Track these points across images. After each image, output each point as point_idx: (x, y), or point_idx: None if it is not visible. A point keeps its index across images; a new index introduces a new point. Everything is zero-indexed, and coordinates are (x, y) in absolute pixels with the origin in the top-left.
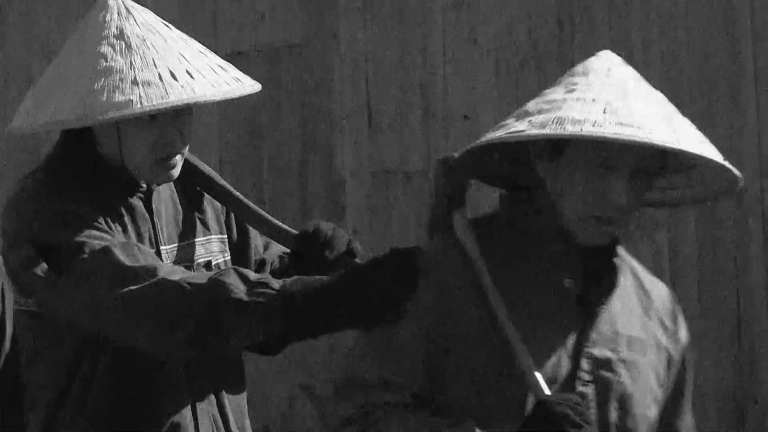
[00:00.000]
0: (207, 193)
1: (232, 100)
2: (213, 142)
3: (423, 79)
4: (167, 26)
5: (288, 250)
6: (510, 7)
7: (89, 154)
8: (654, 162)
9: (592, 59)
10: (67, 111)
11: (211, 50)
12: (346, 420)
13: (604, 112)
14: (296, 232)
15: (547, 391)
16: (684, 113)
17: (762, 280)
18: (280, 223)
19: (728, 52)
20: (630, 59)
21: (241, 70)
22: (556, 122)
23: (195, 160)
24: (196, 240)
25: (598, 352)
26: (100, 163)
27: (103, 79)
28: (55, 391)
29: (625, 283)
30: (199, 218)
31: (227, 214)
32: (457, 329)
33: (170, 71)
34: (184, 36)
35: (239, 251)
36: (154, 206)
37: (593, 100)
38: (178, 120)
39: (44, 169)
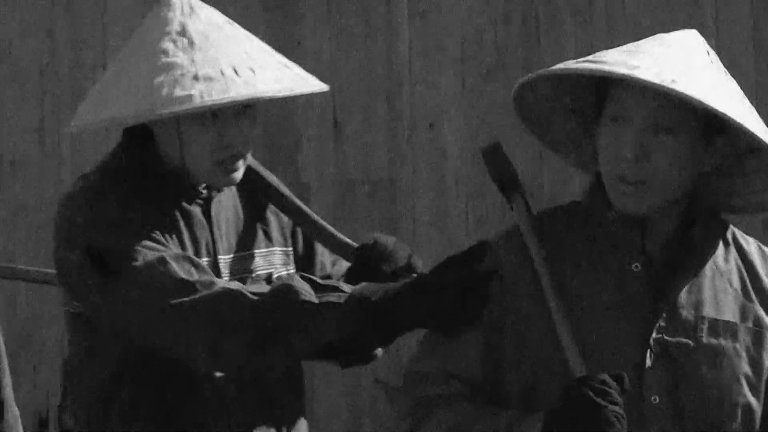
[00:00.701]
0: (271, 202)
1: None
2: None
3: (388, 87)
4: (231, 24)
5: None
6: (475, 15)
7: (149, 157)
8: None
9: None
10: (125, 107)
11: None
12: (405, 413)
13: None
14: (356, 245)
15: (582, 372)
16: None
17: None
18: (342, 236)
19: None
20: None
21: None
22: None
23: (260, 168)
24: (257, 251)
25: (671, 338)
26: (159, 167)
27: (163, 75)
28: (102, 395)
29: (721, 263)
30: (262, 229)
31: (294, 227)
32: (515, 313)
33: (232, 67)
34: (249, 34)
35: (304, 266)
36: (212, 214)
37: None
38: (240, 120)
39: (101, 171)
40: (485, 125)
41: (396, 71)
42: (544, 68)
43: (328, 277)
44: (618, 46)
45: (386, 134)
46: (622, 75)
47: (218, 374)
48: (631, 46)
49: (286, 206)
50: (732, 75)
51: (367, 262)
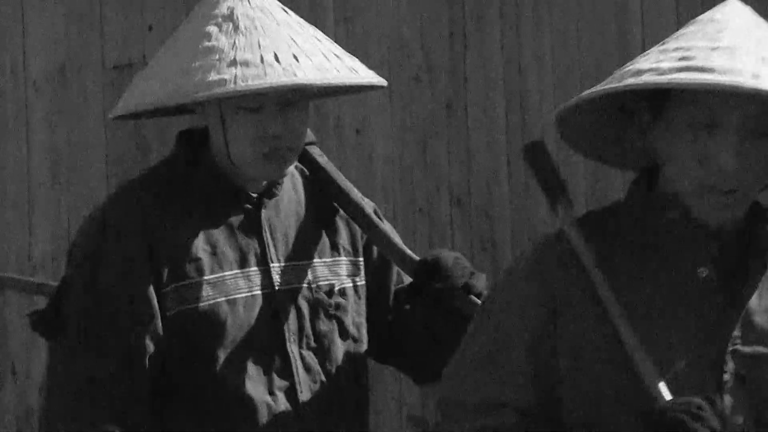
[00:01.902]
0: (341, 208)
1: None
2: (100, 156)
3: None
4: (285, 11)
5: None
6: (401, 21)
7: (199, 158)
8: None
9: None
10: (159, 91)
11: (98, 63)
12: None
13: (681, 59)
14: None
15: (667, 396)
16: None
17: None
18: (406, 249)
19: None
20: (523, 72)
21: (128, 83)
22: (631, 75)
23: (332, 171)
24: (319, 260)
25: (748, 349)
26: (209, 170)
27: (201, 59)
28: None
29: None
30: (328, 236)
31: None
32: (568, 331)
33: (274, 53)
34: (301, 21)
35: (379, 277)
36: (264, 218)
37: (675, 48)
38: (284, 111)
39: (146, 174)
40: (413, 130)
41: None
42: (470, 69)
43: (404, 289)
44: (544, 50)
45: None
46: (754, 89)
47: (276, 401)
48: (706, 39)
49: (353, 213)
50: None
51: (425, 279)
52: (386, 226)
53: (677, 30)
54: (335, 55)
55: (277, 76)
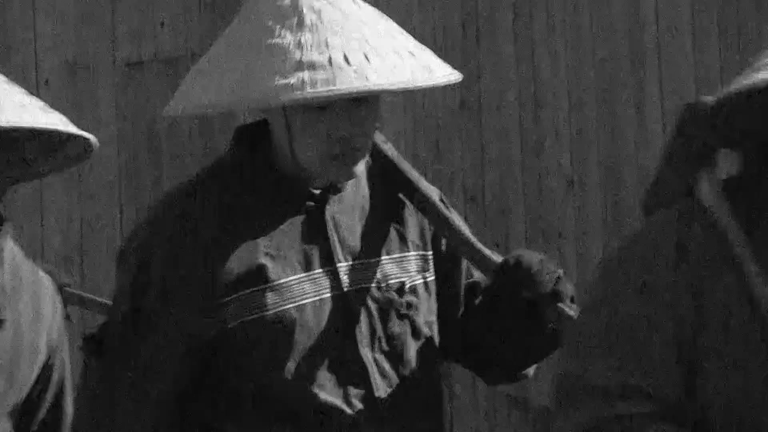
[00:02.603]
0: (409, 200)
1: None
2: (110, 155)
3: None
4: (355, 2)
5: None
6: (413, 17)
7: (259, 154)
8: None
9: None
10: (217, 94)
11: (109, 60)
12: None
13: None
14: (499, 260)
15: None
16: (588, 121)
17: None
18: (484, 248)
19: (633, 62)
20: (536, 68)
21: (139, 80)
22: None
23: (399, 161)
24: (388, 257)
25: None
26: (269, 169)
27: (263, 59)
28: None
29: None
30: (396, 230)
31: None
32: (710, 313)
33: (344, 53)
34: (376, 14)
35: (447, 272)
36: (328, 215)
37: None
38: (355, 109)
39: (204, 172)
40: (426, 127)
41: None
42: (484, 66)
43: (474, 285)
44: (557, 46)
45: None
46: None
47: (353, 409)
48: None
49: (424, 206)
50: (673, 70)
51: (505, 283)
52: (457, 219)
53: (692, 26)
54: (409, 52)
55: (348, 81)
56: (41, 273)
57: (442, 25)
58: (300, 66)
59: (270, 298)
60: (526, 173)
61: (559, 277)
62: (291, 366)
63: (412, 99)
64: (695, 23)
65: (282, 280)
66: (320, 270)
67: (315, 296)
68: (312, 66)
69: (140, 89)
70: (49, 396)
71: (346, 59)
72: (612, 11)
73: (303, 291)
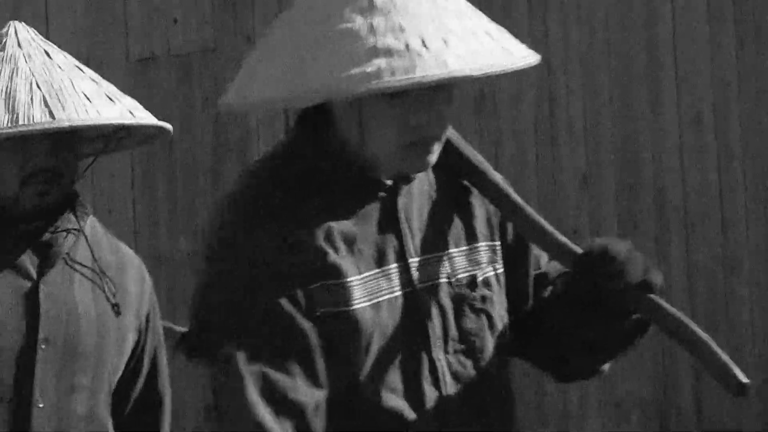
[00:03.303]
0: (477, 188)
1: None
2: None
3: None
4: None
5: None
6: None
7: (325, 143)
8: None
9: None
10: (282, 85)
11: (122, 56)
12: None
13: None
14: (580, 250)
15: None
16: (602, 117)
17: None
18: (561, 237)
19: (648, 58)
20: (551, 63)
21: (151, 76)
22: None
23: (463, 147)
24: (456, 249)
25: None
26: (337, 158)
27: (332, 45)
28: None
29: None
30: (463, 221)
31: (503, 216)
32: None
33: (421, 38)
34: None
35: (514, 262)
36: (400, 208)
37: None
38: (431, 96)
39: (265, 165)
40: None
41: None
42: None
43: (543, 276)
44: (572, 41)
45: None
46: None
47: (423, 413)
48: None
49: (493, 194)
50: (688, 65)
51: (590, 274)
52: (528, 207)
53: (707, 19)
54: (486, 33)
55: (428, 68)
56: (125, 248)
57: None
58: (375, 52)
59: (350, 292)
60: (541, 169)
61: (647, 268)
62: (364, 368)
63: None
64: (711, 17)
65: (359, 276)
66: (394, 265)
67: (389, 293)
68: (388, 52)
69: (153, 85)
70: (142, 376)
71: (423, 44)
72: (628, 6)
73: (379, 287)
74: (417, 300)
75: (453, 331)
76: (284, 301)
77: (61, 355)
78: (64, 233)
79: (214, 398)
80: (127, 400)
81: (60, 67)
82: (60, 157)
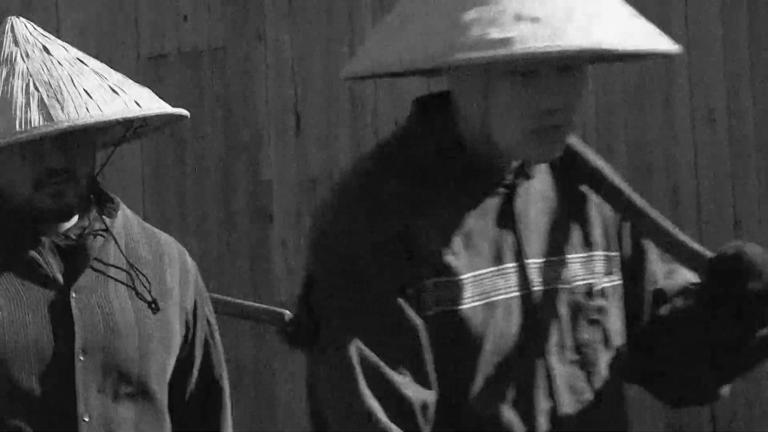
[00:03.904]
0: (598, 194)
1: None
2: (133, 149)
3: (351, 82)
4: None
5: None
6: None
7: (445, 133)
8: None
9: None
10: (416, 49)
11: (132, 53)
12: None
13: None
14: (711, 254)
15: None
16: (615, 118)
17: None
18: (691, 242)
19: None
20: None
21: (162, 74)
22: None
23: (581, 148)
24: (572, 256)
25: None
26: (456, 146)
27: (475, 10)
28: None
29: None
30: (580, 227)
31: (621, 225)
32: None
33: (567, 10)
34: None
35: (631, 276)
36: (518, 206)
37: None
38: (563, 79)
39: (384, 156)
40: None
41: None
42: None
43: (659, 293)
44: None
45: (350, 131)
46: None
47: (536, 426)
48: None
49: (616, 200)
50: (702, 65)
51: (724, 278)
52: (654, 211)
53: (721, 19)
54: (631, 13)
55: (574, 38)
56: (162, 236)
57: None
58: (519, 17)
59: (465, 290)
60: None
61: None
62: (476, 372)
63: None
64: (724, 17)
65: (475, 272)
66: (511, 264)
67: (505, 293)
68: (535, 19)
69: (163, 83)
70: (195, 368)
71: (569, 17)
72: (640, 5)
73: (495, 287)
74: (534, 303)
75: (568, 341)
76: (396, 296)
77: (102, 365)
78: (92, 235)
79: (308, 389)
80: (183, 394)
81: (60, 63)
82: (70, 156)
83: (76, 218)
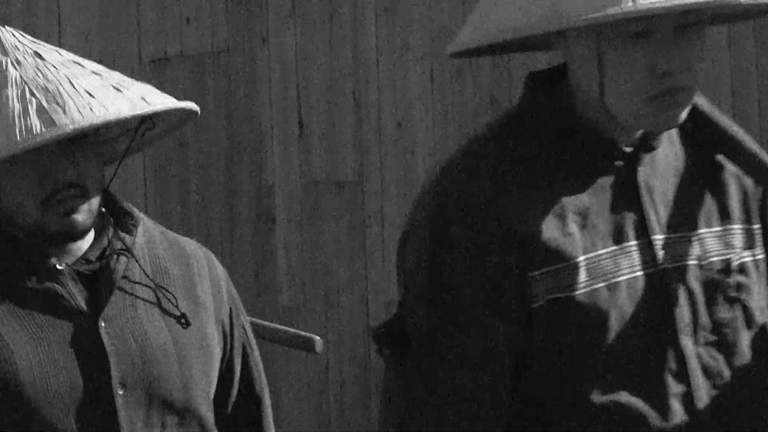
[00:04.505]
0: (733, 161)
1: None
2: None
3: (355, 85)
4: None
5: None
6: (443, 12)
7: (559, 106)
8: None
9: None
10: (526, 13)
11: (134, 56)
12: None
13: None
14: None
15: None
16: None
17: None
18: None
19: None
20: None
21: (165, 77)
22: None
23: (716, 114)
24: (708, 230)
25: None
26: (571, 120)
27: None
28: None
29: None
30: (716, 199)
31: (764, 197)
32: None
33: None
34: None
35: None
36: (641, 179)
37: None
38: (680, 39)
39: (491, 137)
40: (455, 123)
41: (362, 68)
42: (514, 63)
43: None
44: None
45: (353, 133)
46: None
47: (669, 412)
48: None
49: (749, 167)
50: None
51: None
52: None
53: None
54: None
55: None
56: (186, 244)
57: None
58: None
59: (581, 274)
60: None
61: None
62: (599, 357)
63: (441, 95)
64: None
65: (592, 254)
66: (634, 242)
67: (629, 273)
68: None
69: (166, 85)
70: (236, 381)
71: None
72: None
73: (616, 266)
74: (662, 281)
75: (704, 320)
76: (486, 303)
77: (145, 397)
78: (114, 256)
79: (383, 398)
80: (225, 408)
81: (55, 67)
82: (79, 168)
83: (91, 238)
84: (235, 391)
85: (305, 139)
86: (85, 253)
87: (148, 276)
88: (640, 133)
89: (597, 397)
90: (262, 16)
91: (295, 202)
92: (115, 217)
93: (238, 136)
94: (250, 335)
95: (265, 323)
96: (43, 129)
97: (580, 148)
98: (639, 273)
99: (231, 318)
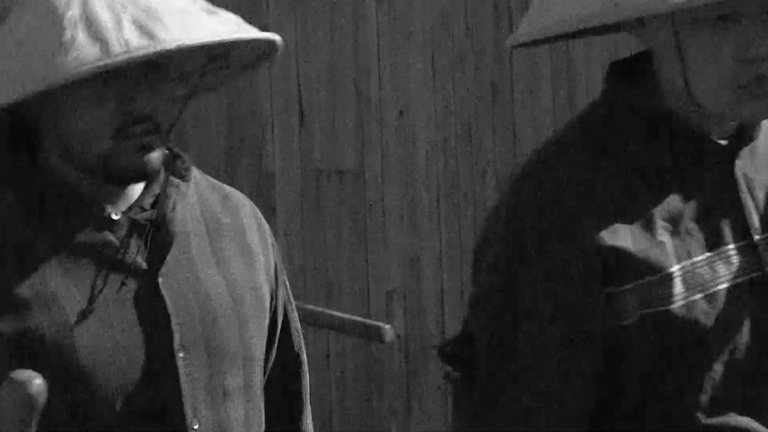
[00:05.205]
0: None
1: None
2: None
3: (356, 73)
4: None
5: None
6: (444, 0)
7: (640, 95)
8: None
9: None
10: (587, 3)
11: None
12: None
13: None
14: None
15: None
16: None
17: None
18: None
19: None
20: (569, 52)
21: None
22: None
23: None
24: None
25: None
26: (657, 113)
27: None
28: None
29: None
30: None
31: None
32: None
33: None
34: None
35: None
36: (739, 175)
37: None
38: None
39: (569, 136)
40: (456, 112)
41: (364, 57)
42: (519, 52)
43: None
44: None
45: (354, 122)
46: None
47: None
48: None
49: None
50: None
51: None
52: None
53: None
54: None
55: None
56: (232, 194)
57: (473, 8)
58: None
59: (676, 285)
60: None
61: None
62: (698, 376)
63: (442, 83)
64: None
65: (687, 262)
66: (732, 245)
67: (730, 280)
68: None
69: None
70: (276, 339)
71: None
72: None
73: (714, 274)
74: (766, 287)
75: None
76: (566, 326)
77: (207, 359)
78: (171, 204)
79: (453, 420)
80: (264, 369)
81: None
82: (156, 101)
83: (141, 184)
84: (274, 352)
85: (306, 127)
86: (138, 199)
87: (204, 226)
88: (735, 124)
89: (704, 418)
90: (263, 12)
91: (296, 191)
92: (166, 164)
93: (238, 124)
94: (290, 294)
95: (334, 313)
96: (143, 42)
97: (670, 143)
98: (742, 279)
99: (276, 273)
